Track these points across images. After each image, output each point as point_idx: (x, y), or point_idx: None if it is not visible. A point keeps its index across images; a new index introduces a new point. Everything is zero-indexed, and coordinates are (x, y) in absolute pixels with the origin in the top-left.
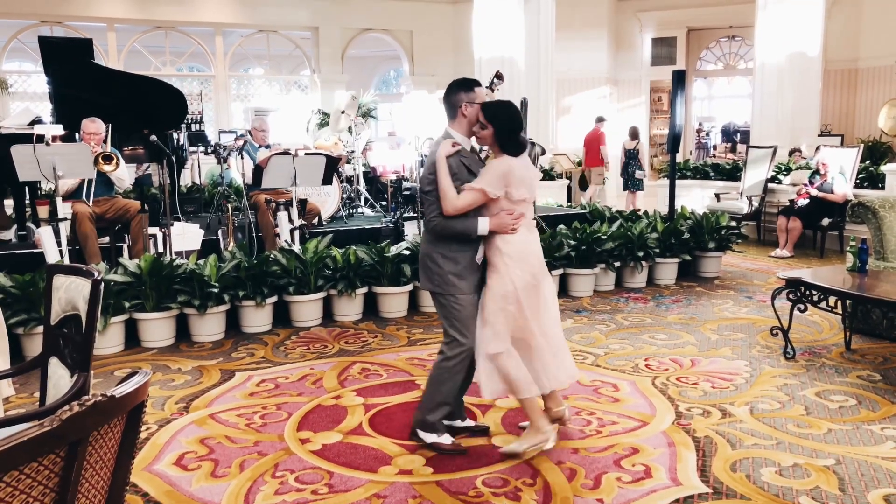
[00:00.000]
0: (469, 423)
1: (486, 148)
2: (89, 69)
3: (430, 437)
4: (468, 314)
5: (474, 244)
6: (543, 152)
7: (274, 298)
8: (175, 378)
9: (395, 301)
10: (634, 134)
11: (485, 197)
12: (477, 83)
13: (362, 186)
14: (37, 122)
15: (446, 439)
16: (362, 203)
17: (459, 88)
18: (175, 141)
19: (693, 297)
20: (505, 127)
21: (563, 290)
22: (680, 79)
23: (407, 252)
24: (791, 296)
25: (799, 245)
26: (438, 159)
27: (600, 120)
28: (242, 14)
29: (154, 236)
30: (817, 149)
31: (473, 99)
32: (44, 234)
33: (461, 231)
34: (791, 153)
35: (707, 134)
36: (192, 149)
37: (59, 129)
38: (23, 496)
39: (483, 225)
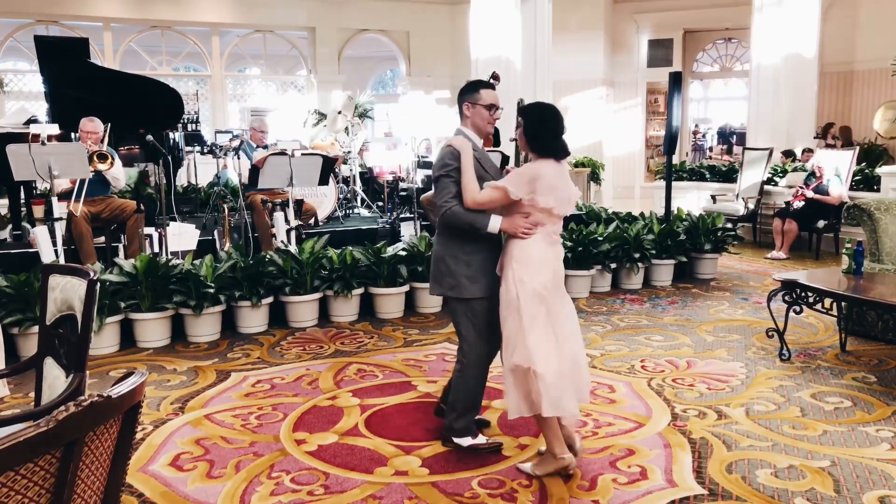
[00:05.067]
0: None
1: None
2: (85, 69)
3: (466, 441)
4: (481, 318)
5: (487, 246)
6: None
7: (270, 299)
8: (170, 378)
9: (391, 302)
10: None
11: (505, 196)
12: (484, 84)
13: (359, 187)
14: (32, 121)
15: (482, 439)
16: (359, 204)
17: (464, 90)
18: (171, 141)
19: (689, 299)
20: (532, 123)
21: None
22: (676, 80)
23: (403, 253)
24: (787, 297)
25: (795, 247)
26: (464, 152)
27: None
28: (239, 14)
29: (150, 236)
30: (805, 151)
31: (476, 100)
32: (39, 234)
33: (470, 222)
34: (794, 153)
35: (703, 136)
36: (189, 148)
37: (54, 129)
38: (18, 497)
39: (494, 222)
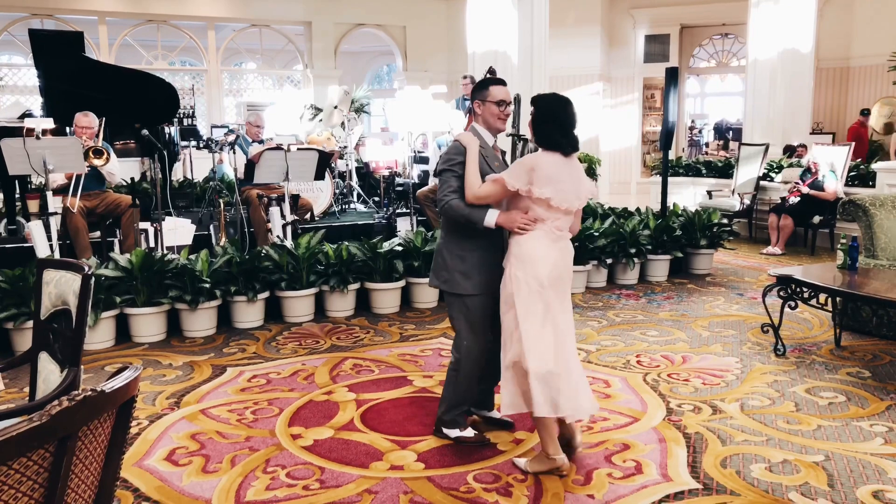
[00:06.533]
0: (495, 413)
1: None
2: (80, 63)
3: (453, 433)
4: (475, 315)
5: (485, 243)
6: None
7: (266, 294)
8: (166, 373)
9: (387, 297)
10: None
11: (504, 188)
12: (494, 81)
13: (355, 182)
14: (27, 115)
15: (469, 432)
16: (355, 199)
17: (475, 89)
18: (167, 136)
19: (685, 294)
20: (541, 113)
21: None
22: (673, 76)
23: (399, 248)
24: (782, 293)
25: (790, 242)
26: (470, 147)
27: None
28: (235, 8)
29: (145, 231)
30: (800, 147)
31: (485, 97)
32: (34, 229)
33: (467, 216)
34: (794, 149)
35: (700, 131)
36: (184, 143)
37: (49, 123)
38: (11, 491)
39: (490, 217)
